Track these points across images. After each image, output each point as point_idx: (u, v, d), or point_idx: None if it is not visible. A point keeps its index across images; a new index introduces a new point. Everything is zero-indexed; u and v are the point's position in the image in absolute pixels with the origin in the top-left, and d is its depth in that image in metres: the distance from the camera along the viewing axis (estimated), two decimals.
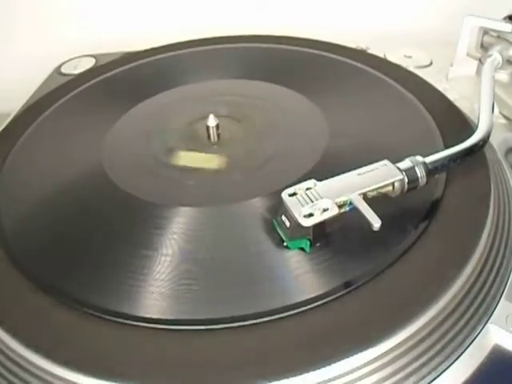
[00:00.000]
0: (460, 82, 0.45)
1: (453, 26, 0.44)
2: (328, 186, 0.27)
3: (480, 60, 0.41)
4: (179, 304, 0.26)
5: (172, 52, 0.49)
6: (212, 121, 0.36)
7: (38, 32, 0.61)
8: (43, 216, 0.32)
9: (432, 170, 0.28)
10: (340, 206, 0.26)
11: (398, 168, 0.28)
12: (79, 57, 0.55)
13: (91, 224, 0.31)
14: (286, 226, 0.27)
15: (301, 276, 0.26)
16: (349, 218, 0.27)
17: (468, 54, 0.44)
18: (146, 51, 0.50)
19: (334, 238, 0.28)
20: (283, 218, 0.27)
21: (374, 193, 0.27)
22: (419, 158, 0.28)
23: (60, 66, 0.54)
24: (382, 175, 0.28)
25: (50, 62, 0.54)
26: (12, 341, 0.25)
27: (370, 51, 0.49)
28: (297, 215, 0.26)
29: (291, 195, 0.27)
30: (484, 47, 0.43)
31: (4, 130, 0.42)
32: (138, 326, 0.25)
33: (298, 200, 0.27)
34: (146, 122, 0.39)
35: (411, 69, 0.46)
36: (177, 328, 0.24)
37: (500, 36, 0.41)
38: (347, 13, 0.61)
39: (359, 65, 0.44)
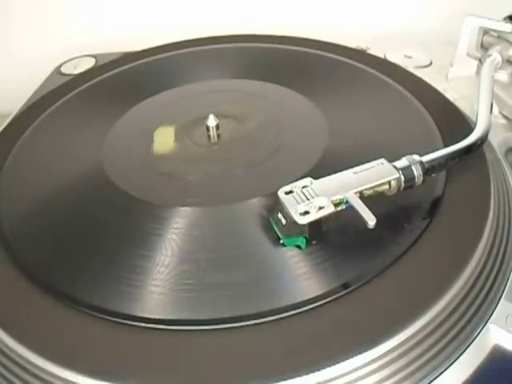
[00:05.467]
0: (460, 82, 0.45)
1: (453, 26, 0.44)
2: (324, 184, 0.27)
3: (480, 60, 0.41)
4: (179, 304, 0.26)
5: (172, 52, 0.49)
6: (212, 121, 0.36)
7: (37, 32, 0.61)
8: (43, 216, 0.32)
9: (429, 169, 0.28)
10: (336, 205, 0.26)
11: (395, 167, 0.28)
12: (79, 57, 0.55)
13: (91, 224, 0.31)
14: (282, 223, 0.27)
15: (300, 276, 0.26)
16: (349, 218, 0.27)
17: (468, 54, 0.44)
18: (145, 51, 0.50)
19: (334, 238, 0.28)
20: (279, 215, 0.27)
21: (371, 191, 0.27)
22: (416, 157, 0.28)
23: (60, 66, 0.54)
24: (379, 174, 0.28)
25: (50, 62, 0.54)
26: (11, 340, 0.25)
27: (369, 51, 0.49)
28: (293, 213, 0.26)
29: (287, 193, 0.27)
30: (484, 47, 0.43)
31: (4, 129, 0.42)
32: (138, 326, 0.25)
33: (294, 198, 0.27)
34: (146, 122, 0.39)
35: (411, 69, 0.46)
36: (177, 328, 0.24)
37: (500, 36, 0.41)
38: (347, 13, 0.61)
39: (359, 65, 0.44)
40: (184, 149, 0.36)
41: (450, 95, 0.40)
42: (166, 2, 0.61)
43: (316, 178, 0.28)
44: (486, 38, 0.43)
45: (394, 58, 0.49)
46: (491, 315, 0.26)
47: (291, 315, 0.24)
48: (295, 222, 0.26)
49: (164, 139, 0.36)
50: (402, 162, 0.28)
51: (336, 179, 0.28)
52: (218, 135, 0.36)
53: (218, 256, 0.28)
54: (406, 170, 0.28)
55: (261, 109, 0.39)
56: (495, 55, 0.39)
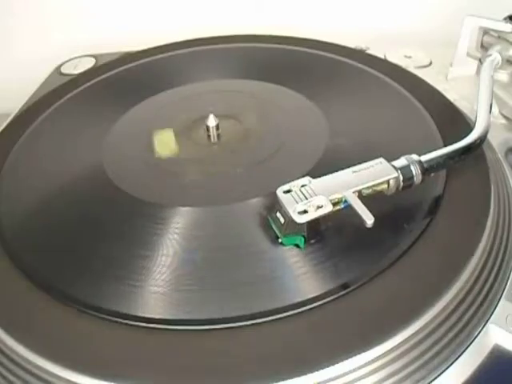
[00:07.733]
0: (460, 82, 0.45)
1: (453, 26, 0.44)
2: (323, 183, 0.27)
3: (480, 60, 0.41)
4: (179, 304, 0.26)
5: (171, 52, 0.49)
6: (212, 121, 0.36)
7: (38, 32, 0.61)
8: (43, 216, 0.32)
9: (428, 169, 0.28)
10: (335, 204, 0.26)
11: (393, 166, 0.28)
12: (79, 57, 0.55)
13: (91, 224, 0.31)
14: (280, 222, 0.27)
15: (300, 276, 0.26)
16: (349, 218, 0.27)
17: (468, 54, 0.44)
18: (146, 51, 0.50)
19: (334, 238, 0.28)
20: (278, 214, 0.27)
21: (369, 190, 0.27)
22: (414, 157, 0.28)
23: (60, 66, 0.54)
24: (377, 173, 0.28)
25: (50, 62, 0.54)
26: (11, 340, 0.25)
27: (369, 51, 0.49)
28: (291, 212, 0.26)
29: (286, 192, 0.27)
30: (484, 47, 0.43)
31: (4, 129, 0.42)
32: (138, 326, 0.25)
33: (293, 197, 0.27)
34: (146, 122, 0.39)
35: (411, 69, 0.46)
36: (177, 328, 0.24)
37: (500, 36, 0.41)
38: (347, 13, 0.61)
39: (359, 65, 0.44)
40: (184, 149, 0.36)
41: (450, 95, 0.40)
42: (166, 2, 0.61)
43: (316, 177, 0.28)
44: (486, 38, 0.43)
45: (394, 58, 0.49)
46: (491, 315, 0.26)
47: (290, 315, 0.24)
48: (293, 221, 0.26)
49: (164, 142, 0.36)
50: (401, 162, 0.28)
51: (335, 178, 0.28)
52: (218, 135, 0.36)
53: (217, 256, 0.28)
54: (405, 170, 0.28)
55: (261, 109, 0.39)
56: (495, 55, 0.39)
